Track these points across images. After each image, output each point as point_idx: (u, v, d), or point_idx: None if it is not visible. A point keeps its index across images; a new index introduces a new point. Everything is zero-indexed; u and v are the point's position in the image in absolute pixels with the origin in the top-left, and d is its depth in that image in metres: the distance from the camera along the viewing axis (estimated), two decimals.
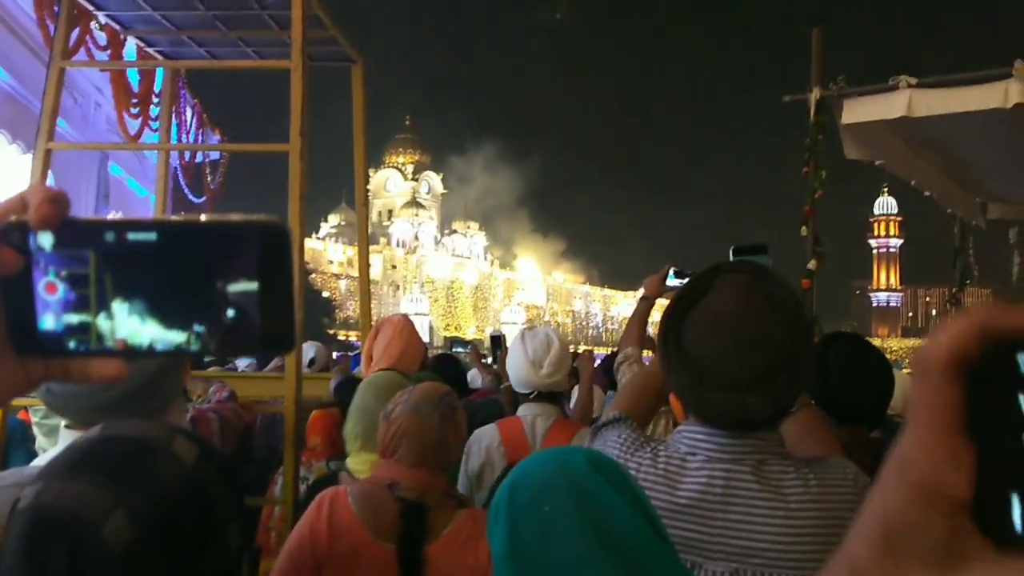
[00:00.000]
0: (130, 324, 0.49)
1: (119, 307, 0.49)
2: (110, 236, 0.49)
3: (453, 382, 4.79)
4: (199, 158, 9.61)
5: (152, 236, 0.49)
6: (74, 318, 0.50)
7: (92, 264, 0.49)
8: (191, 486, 0.94)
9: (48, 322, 0.50)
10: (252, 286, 0.49)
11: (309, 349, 5.69)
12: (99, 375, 0.51)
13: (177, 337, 0.49)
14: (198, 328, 0.49)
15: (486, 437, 3.07)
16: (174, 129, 7.28)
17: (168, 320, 0.49)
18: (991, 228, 9.23)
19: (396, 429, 2.05)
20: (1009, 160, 6.88)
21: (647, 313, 3.33)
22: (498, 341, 4.99)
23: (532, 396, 3.13)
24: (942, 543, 0.34)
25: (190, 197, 9.29)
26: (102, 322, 0.50)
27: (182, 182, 8.85)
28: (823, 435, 1.81)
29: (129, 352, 0.50)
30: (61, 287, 0.50)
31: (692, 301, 1.41)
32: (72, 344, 0.50)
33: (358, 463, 2.52)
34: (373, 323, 3.85)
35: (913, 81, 5.42)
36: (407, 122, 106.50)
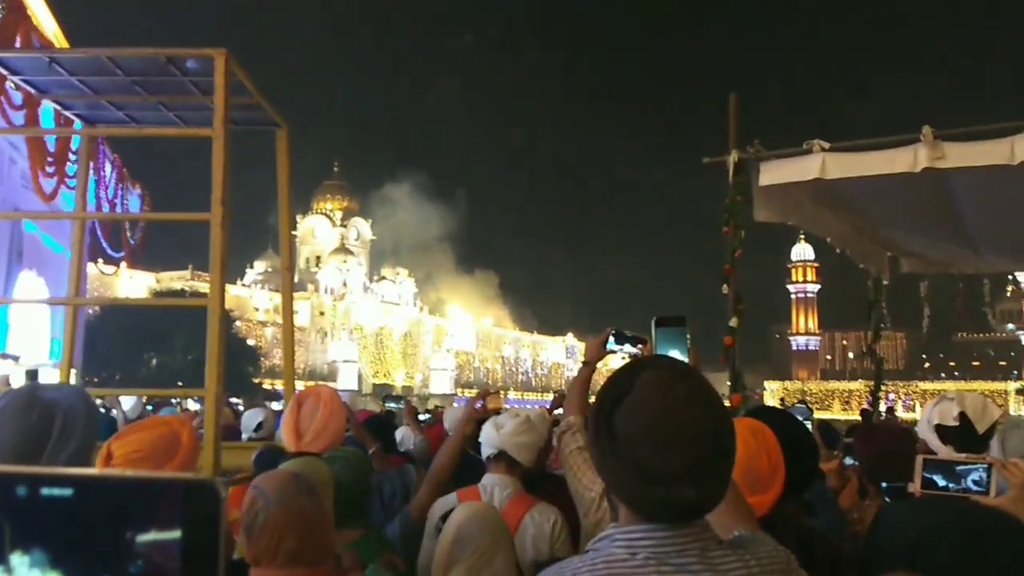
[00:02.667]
0: None
1: (19, 560, 0.47)
2: (22, 491, 0.48)
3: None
4: (118, 211, 9.38)
5: (68, 492, 0.48)
6: None
7: None
8: None
9: None
10: (173, 537, 0.48)
11: (257, 414, 5.49)
12: None
13: None
14: None
15: (443, 507, 3.04)
16: (92, 185, 7.12)
17: (72, 573, 0.48)
18: (904, 280, 9.60)
19: (271, 533, 1.98)
20: (918, 219, 7.17)
21: (589, 379, 3.34)
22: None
23: (493, 456, 3.15)
24: None
25: (109, 252, 9.07)
26: None
27: (100, 237, 8.63)
28: (741, 508, 1.87)
29: None
30: None
31: (617, 399, 1.44)
32: None
33: None
34: (297, 371, 3.78)
35: (826, 145, 5.62)
36: (335, 168, 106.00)
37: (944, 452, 2.56)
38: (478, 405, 3.65)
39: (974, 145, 5.08)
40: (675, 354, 2.26)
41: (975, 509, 2.07)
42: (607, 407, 1.44)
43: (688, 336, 2.40)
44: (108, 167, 7.99)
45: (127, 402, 9.92)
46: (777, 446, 2.23)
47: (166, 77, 3.86)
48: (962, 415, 2.65)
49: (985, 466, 2.05)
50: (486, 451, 3.22)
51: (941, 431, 2.70)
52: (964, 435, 2.60)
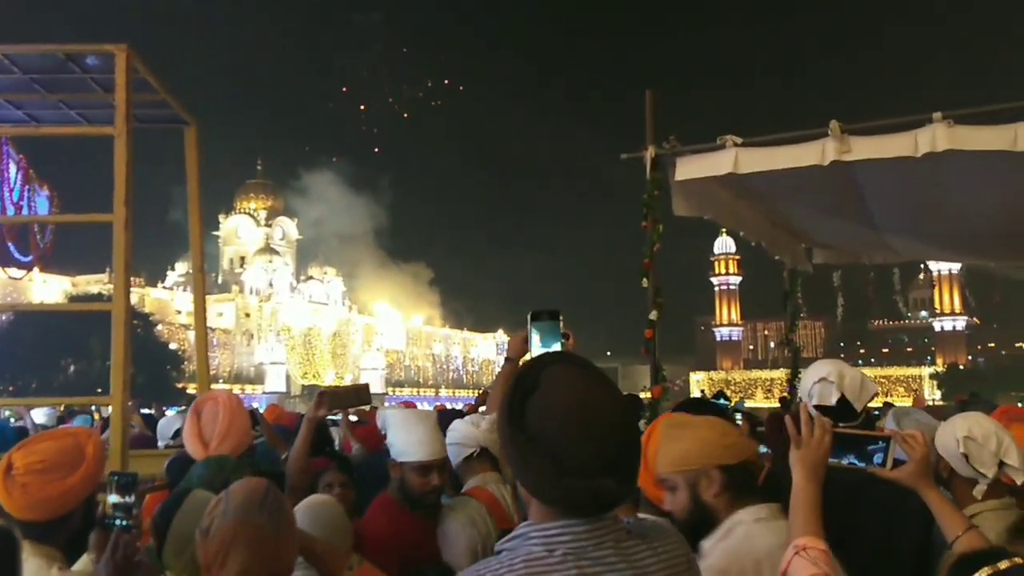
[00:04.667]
0: None
1: None
2: None
3: (319, 451, 4.66)
4: (24, 214, 9.01)
5: None
6: None
7: None
8: None
9: None
10: None
11: (174, 420, 5.30)
12: None
13: None
14: None
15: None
16: None
17: None
18: (818, 270, 9.87)
19: (220, 543, 1.86)
20: (829, 211, 7.37)
21: (512, 376, 3.33)
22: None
23: (476, 454, 3.11)
24: None
25: (16, 256, 8.71)
26: None
27: (6, 241, 8.29)
28: None
29: None
30: None
31: (526, 394, 1.43)
32: None
33: None
34: (218, 377, 3.69)
35: (739, 140, 5.73)
36: (258, 166, 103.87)
37: None
38: (320, 412, 3.20)
39: (879, 139, 5.23)
40: (554, 346, 2.35)
41: (855, 472, 2.12)
42: (517, 404, 1.43)
43: (562, 328, 2.47)
44: (13, 168, 7.67)
45: (40, 412, 9.54)
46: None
47: (66, 74, 3.74)
48: (841, 398, 2.78)
49: (885, 440, 2.09)
50: (464, 451, 3.13)
51: (822, 410, 2.81)
52: (843, 415, 2.72)
